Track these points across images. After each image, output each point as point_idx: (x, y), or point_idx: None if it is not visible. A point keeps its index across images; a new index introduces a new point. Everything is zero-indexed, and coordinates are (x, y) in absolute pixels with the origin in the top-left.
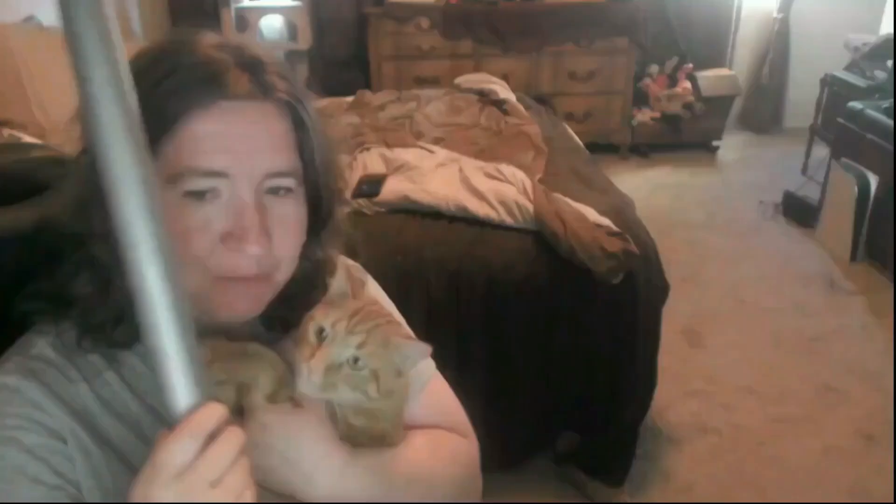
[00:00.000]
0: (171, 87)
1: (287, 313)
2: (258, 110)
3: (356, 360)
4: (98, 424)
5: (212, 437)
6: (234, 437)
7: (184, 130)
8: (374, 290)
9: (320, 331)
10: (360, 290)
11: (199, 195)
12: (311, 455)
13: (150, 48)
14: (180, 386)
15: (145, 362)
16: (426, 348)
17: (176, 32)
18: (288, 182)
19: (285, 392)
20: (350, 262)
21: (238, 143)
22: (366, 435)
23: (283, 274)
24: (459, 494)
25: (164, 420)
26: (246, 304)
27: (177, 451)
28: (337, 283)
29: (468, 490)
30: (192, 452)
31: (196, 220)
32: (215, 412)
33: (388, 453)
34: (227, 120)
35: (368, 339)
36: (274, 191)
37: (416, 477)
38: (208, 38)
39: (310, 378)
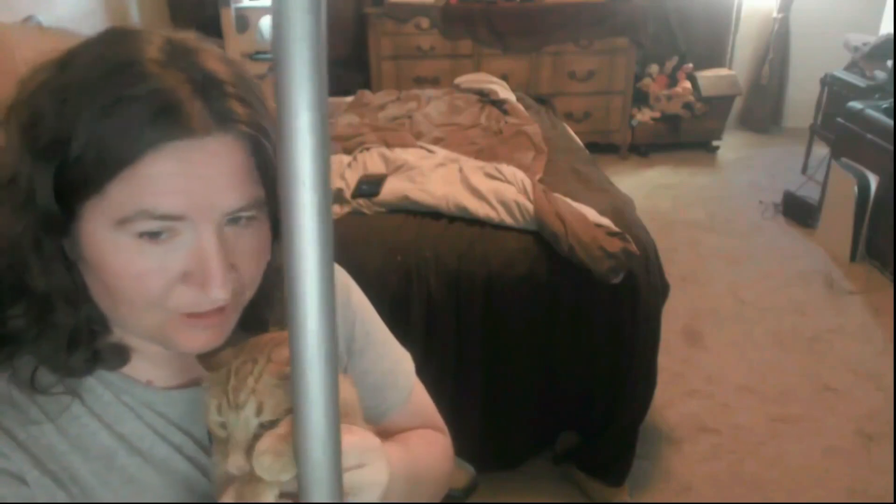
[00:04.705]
0: (118, 124)
1: (259, 314)
2: (217, 145)
3: (270, 422)
4: (65, 463)
5: None
6: None
7: (133, 172)
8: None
9: (221, 424)
10: None
11: (154, 235)
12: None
13: (88, 56)
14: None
15: (110, 388)
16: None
17: (111, 32)
18: (250, 213)
19: None
20: None
21: (196, 185)
22: None
23: (249, 294)
24: (446, 485)
25: (136, 450)
26: (208, 338)
27: None
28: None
29: (449, 480)
30: None
31: (152, 262)
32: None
33: (406, 457)
34: (184, 159)
35: (262, 398)
36: (235, 220)
37: (425, 476)
38: (153, 47)
39: (236, 469)
